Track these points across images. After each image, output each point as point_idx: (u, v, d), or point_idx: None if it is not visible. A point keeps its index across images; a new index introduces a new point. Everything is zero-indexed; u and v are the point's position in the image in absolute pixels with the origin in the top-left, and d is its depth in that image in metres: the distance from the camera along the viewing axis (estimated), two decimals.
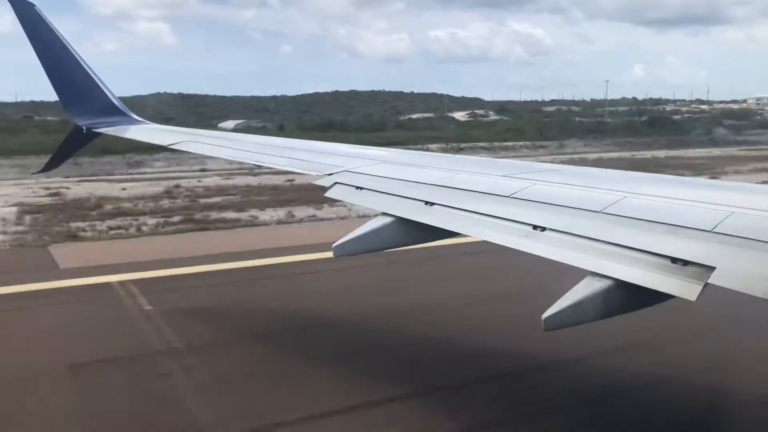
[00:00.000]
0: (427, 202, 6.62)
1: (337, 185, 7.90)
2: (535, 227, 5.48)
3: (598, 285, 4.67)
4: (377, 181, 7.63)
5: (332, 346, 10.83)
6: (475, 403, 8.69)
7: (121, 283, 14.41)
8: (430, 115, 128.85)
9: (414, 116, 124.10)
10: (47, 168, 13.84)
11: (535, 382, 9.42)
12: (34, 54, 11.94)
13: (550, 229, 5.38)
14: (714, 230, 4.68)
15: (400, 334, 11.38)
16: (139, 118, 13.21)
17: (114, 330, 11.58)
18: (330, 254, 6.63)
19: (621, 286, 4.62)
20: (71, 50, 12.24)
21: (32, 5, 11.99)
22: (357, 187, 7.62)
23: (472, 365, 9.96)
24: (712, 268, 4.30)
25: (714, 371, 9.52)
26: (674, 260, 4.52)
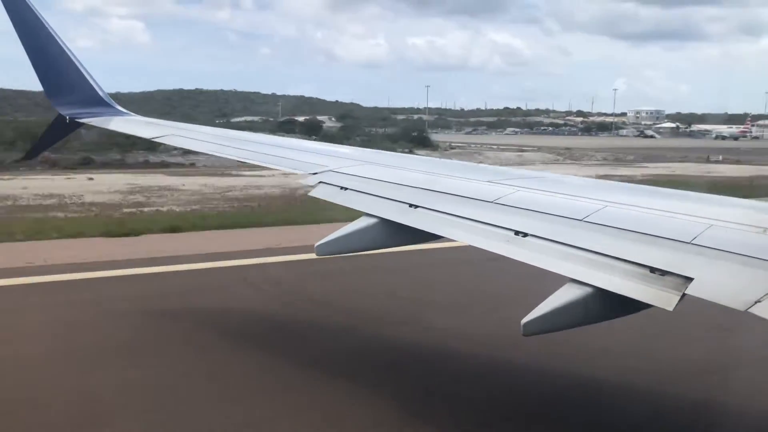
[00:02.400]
0: (411, 205, 6.64)
1: (321, 185, 7.89)
2: (517, 233, 5.53)
3: (577, 292, 4.72)
4: (362, 182, 7.63)
5: None
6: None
7: None
8: (255, 118, 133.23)
9: (235, 119, 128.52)
10: (28, 156, 13.75)
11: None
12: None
13: (532, 235, 5.43)
14: (693, 242, 4.75)
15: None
16: (124, 110, 13.08)
17: None
18: None
19: (600, 293, 4.68)
20: (58, 39, 12.10)
21: None
22: (341, 188, 7.63)
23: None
24: (690, 279, 4.37)
25: None
26: (653, 270, 4.58)
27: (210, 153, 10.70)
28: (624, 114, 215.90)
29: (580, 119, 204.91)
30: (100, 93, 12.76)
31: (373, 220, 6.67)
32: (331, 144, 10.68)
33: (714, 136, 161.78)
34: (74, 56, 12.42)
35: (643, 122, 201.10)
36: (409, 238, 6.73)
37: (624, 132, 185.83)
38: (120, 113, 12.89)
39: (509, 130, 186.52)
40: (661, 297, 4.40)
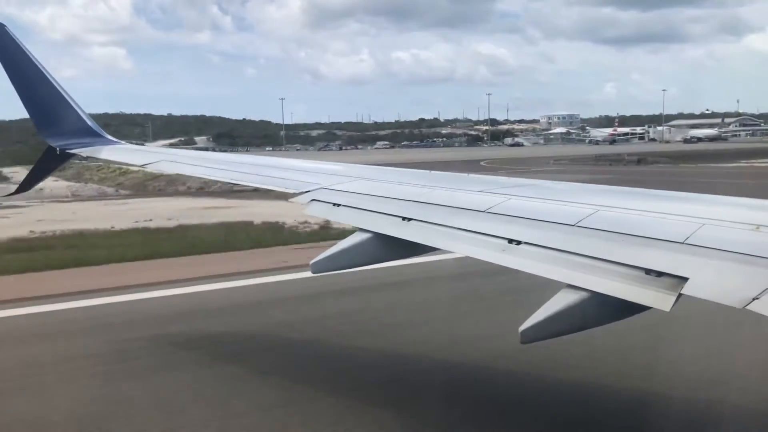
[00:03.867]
0: (404, 218, 6.63)
1: (314, 202, 7.89)
2: (510, 241, 5.52)
3: (573, 297, 4.71)
4: (354, 198, 7.63)
5: None
6: None
7: None
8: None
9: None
10: (20, 189, 13.62)
11: None
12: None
13: (526, 243, 5.43)
14: (686, 242, 4.75)
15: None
16: (114, 139, 13.09)
17: None
18: None
19: (597, 298, 4.67)
20: (44, 72, 12.12)
21: (3, 26, 11.88)
22: (334, 204, 7.63)
23: None
24: (685, 279, 4.36)
25: None
26: (648, 272, 4.58)
27: (201, 176, 10.70)
28: (536, 121, 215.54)
29: (485, 128, 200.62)
30: (89, 123, 12.76)
31: (367, 235, 6.66)
32: (323, 162, 10.68)
33: (587, 140, 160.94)
34: (62, 87, 12.44)
35: (555, 128, 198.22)
36: (404, 251, 6.72)
37: (517, 140, 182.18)
38: (110, 142, 12.89)
39: (379, 144, 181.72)
40: (658, 298, 4.39)
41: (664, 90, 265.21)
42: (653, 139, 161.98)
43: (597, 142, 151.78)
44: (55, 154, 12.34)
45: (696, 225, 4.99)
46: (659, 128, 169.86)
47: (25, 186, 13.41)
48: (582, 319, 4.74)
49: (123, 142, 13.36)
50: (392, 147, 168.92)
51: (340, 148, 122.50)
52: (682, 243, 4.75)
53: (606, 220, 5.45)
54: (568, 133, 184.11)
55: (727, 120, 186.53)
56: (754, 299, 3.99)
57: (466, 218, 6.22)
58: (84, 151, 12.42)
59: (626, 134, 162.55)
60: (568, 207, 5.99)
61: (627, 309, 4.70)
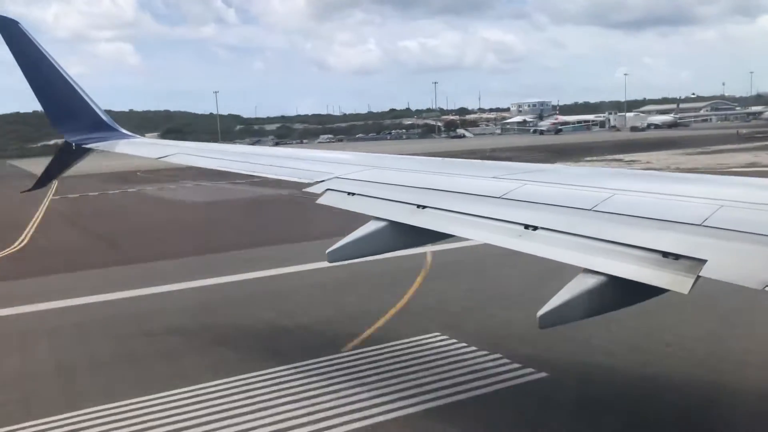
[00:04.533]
0: (418, 206, 6.62)
1: (328, 192, 7.90)
2: (526, 227, 5.50)
3: (591, 282, 4.69)
4: (368, 186, 7.63)
5: None
6: None
7: None
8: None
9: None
10: (38, 185, 13.75)
11: None
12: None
13: (542, 228, 5.40)
14: (704, 224, 4.71)
15: None
16: (129, 133, 13.18)
17: None
18: None
19: (614, 282, 4.65)
20: (58, 67, 12.19)
21: (16, 22, 11.95)
22: (348, 193, 7.63)
23: None
24: (704, 261, 4.32)
25: None
26: (665, 254, 4.55)
27: (218, 168, 10.74)
28: (507, 109, 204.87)
29: (453, 118, 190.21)
30: (104, 118, 12.85)
31: (382, 224, 6.66)
32: (336, 151, 10.69)
33: (532, 130, 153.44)
34: (76, 83, 12.52)
35: (525, 116, 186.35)
36: (419, 239, 6.71)
37: (460, 131, 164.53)
38: (125, 136, 12.98)
39: (323, 137, 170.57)
40: (676, 281, 4.36)
41: (626, 74, 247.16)
42: (614, 127, 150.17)
43: (542, 132, 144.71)
44: (71, 149, 12.45)
45: (714, 207, 4.94)
46: (629, 115, 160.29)
47: (42, 181, 13.54)
48: (600, 303, 4.72)
49: (138, 136, 13.43)
50: (340, 140, 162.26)
51: (276, 144, 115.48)
52: (700, 225, 4.70)
53: (623, 204, 5.41)
54: (524, 122, 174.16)
55: (698, 105, 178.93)
56: None
57: (481, 204, 6.20)
58: (100, 146, 12.51)
59: (584, 122, 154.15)
60: (584, 191, 5.95)
61: (645, 292, 4.68)
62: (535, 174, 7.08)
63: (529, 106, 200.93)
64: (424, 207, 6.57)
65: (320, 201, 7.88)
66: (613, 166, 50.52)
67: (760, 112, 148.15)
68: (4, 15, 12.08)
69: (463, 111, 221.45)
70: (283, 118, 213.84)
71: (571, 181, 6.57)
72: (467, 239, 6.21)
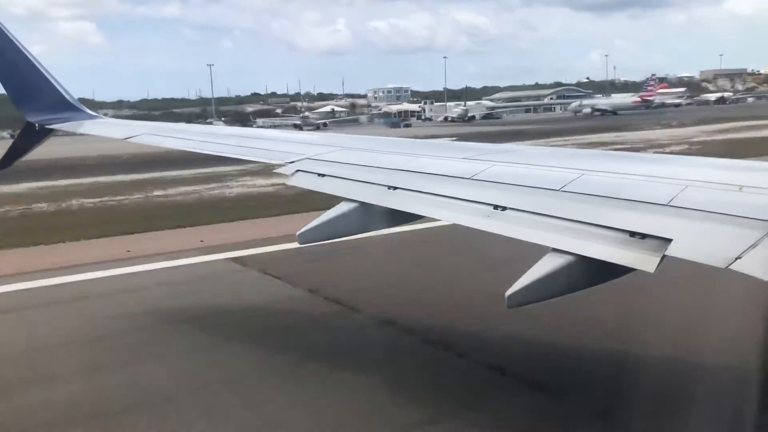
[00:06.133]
0: (389, 187, 6.62)
1: (299, 173, 7.85)
2: (495, 207, 5.53)
3: (559, 261, 4.74)
4: (339, 167, 7.60)
5: None
6: None
7: None
8: None
9: None
10: (0, 166, 13.42)
11: None
12: None
13: (511, 209, 5.44)
14: (670, 204, 4.78)
15: None
16: (94, 113, 12.91)
17: None
18: None
19: (582, 261, 4.70)
20: (19, 46, 11.86)
21: None
22: (319, 174, 7.59)
23: None
24: (669, 240, 4.39)
25: None
26: (632, 234, 4.61)
27: (186, 149, 10.59)
28: (365, 96, 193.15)
29: (300, 104, 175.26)
30: (68, 97, 12.54)
31: (353, 205, 6.64)
32: (307, 132, 10.62)
33: (291, 124, 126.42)
34: (38, 62, 12.19)
35: (382, 102, 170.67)
36: (390, 220, 6.72)
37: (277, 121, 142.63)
38: (90, 116, 12.70)
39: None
40: (642, 260, 4.42)
41: (445, 57, 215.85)
42: (428, 119, 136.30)
43: (315, 125, 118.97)
44: (35, 130, 12.15)
45: (680, 187, 5.01)
46: (449, 105, 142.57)
47: (4, 162, 13.20)
48: (568, 282, 4.78)
49: (103, 116, 13.18)
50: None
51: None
52: (666, 205, 4.77)
53: (591, 184, 5.46)
54: (332, 111, 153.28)
55: (543, 92, 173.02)
56: (737, 259, 4.03)
57: (451, 185, 6.22)
58: (64, 126, 12.23)
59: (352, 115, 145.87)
60: (554, 172, 5.99)
61: (612, 271, 4.74)
62: (504, 155, 7.11)
63: (384, 92, 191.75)
64: (395, 188, 6.56)
65: (290, 182, 7.82)
66: None
67: (573, 105, 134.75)
68: None
69: (319, 96, 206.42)
70: (257, 96, 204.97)
71: (539, 161, 6.62)
72: (437, 220, 6.23)
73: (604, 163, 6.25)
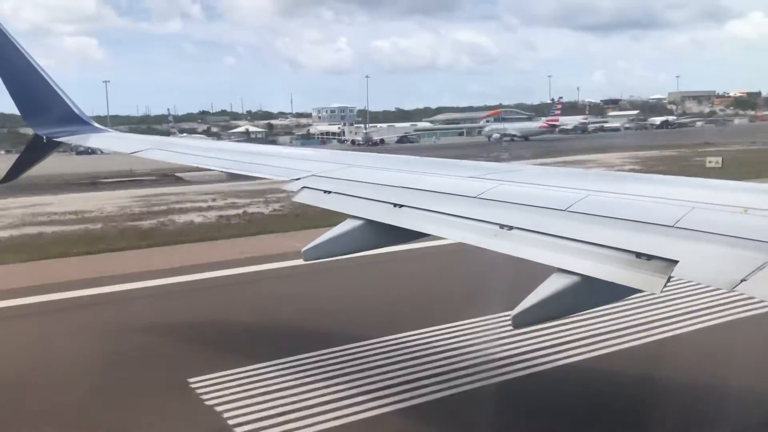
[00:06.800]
0: (396, 204, 6.62)
1: (305, 190, 7.86)
2: (502, 226, 5.53)
3: (565, 281, 4.73)
4: (345, 185, 7.61)
5: None
6: None
7: None
8: None
9: None
10: (6, 178, 13.48)
11: None
12: None
13: (517, 228, 5.44)
14: (676, 225, 4.78)
15: None
16: (101, 127, 13.00)
17: None
18: None
19: (588, 281, 4.69)
20: (30, 60, 11.96)
21: None
22: (325, 191, 7.60)
23: None
24: (676, 262, 4.40)
25: None
26: (638, 255, 4.61)
27: (192, 165, 10.63)
28: (309, 115, 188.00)
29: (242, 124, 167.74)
30: (76, 111, 12.62)
31: (358, 222, 6.64)
32: (313, 148, 10.66)
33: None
34: (48, 75, 12.28)
35: (326, 122, 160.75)
36: (396, 238, 6.71)
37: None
38: (97, 130, 12.79)
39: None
40: (648, 281, 4.42)
41: (367, 77, 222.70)
42: (348, 141, 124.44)
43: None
44: (42, 143, 12.22)
45: (686, 209, 5.02)
46: (367, 127, 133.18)
47: (12, 175, 13.26)
48: (573, 303, 4.77)
49: (111, 129, 13.25)
50: None
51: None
52: (672, 226, 4.77)
53: (597, 205, 5.47)
54: (246, 132, 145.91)
55: (480, 115, 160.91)
56: (742, 281, 4.03)
57: (457, 204, 6.22)
58: (71, 139, 12.32)
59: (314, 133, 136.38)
60: (560, 192, 6.00)
61: (618, 292, 4.74)
62: (511, 174, 7.12)
63: (327, 112, 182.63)
64: (401, 206, 6.56)
65: (296, 199, 7.83)
66: None
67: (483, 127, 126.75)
68: None
69: (267, 115, 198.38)
70: (268, 114, 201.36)
71: (546, 181, 6.62)
72: (443, 238, 6.24)
73: (609, 184, 6.26)
